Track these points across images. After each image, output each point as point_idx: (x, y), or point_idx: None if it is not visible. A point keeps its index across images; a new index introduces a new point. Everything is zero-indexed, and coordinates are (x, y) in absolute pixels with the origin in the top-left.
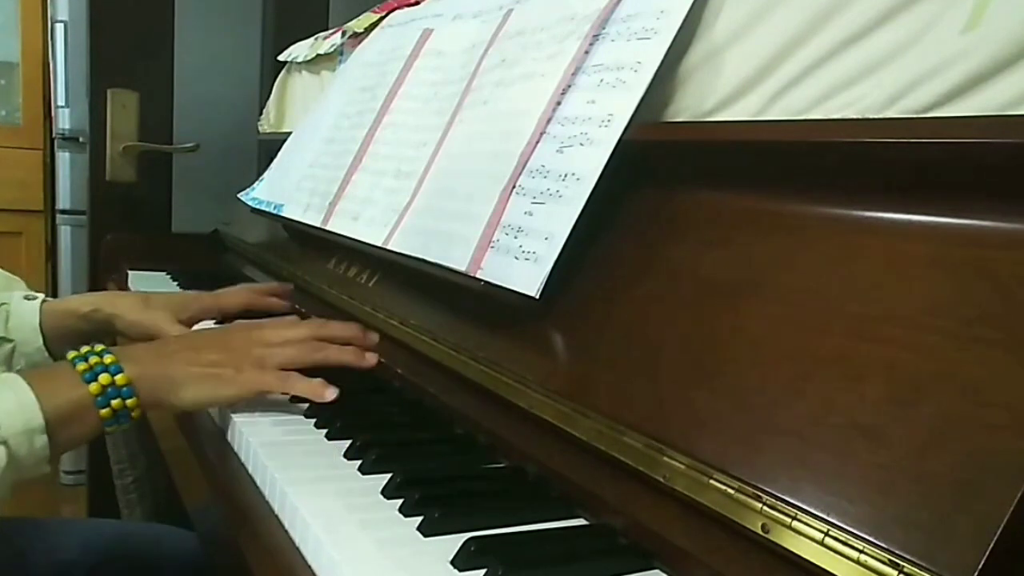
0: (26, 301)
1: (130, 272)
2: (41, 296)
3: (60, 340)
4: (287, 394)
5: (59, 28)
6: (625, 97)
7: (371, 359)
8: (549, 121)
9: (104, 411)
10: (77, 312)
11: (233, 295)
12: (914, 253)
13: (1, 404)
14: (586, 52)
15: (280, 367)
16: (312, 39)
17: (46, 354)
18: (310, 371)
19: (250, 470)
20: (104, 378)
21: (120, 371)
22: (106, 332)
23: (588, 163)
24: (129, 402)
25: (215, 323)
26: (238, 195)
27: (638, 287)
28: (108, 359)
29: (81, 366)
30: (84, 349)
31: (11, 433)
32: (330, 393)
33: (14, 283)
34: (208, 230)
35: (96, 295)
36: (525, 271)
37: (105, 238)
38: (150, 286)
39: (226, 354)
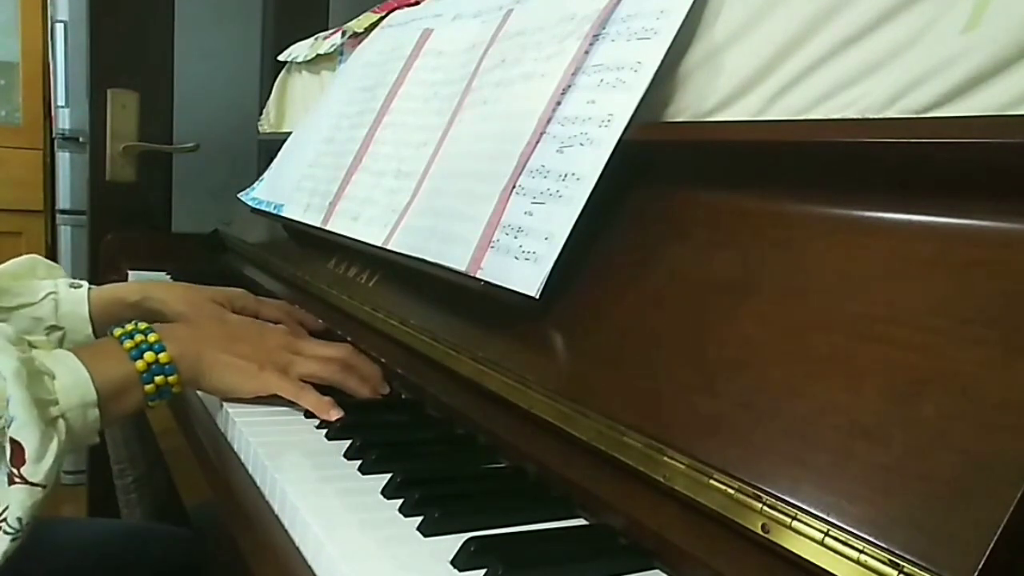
0: (73, 289)
1: (130, 272)
2: (86, 284)
3: (107, 326)
4: (296, 403)
5: (59, 28)
6: (625, 97)
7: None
8: (549, 121)
9: (148, 387)
10: (125, 300)
11: (272, 309)
12: (914, 253)
13: (59, 380)
14: (586, 52)
15: (301, 377)
16: (312, 39)
17: (95, 340)
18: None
19: (250, 470)
20: (149, 356)
21: (163, 350)
22: (153, 319)
23: (588, 163)
24: (171, 379)
25: None
26: (238, 195)
27: (638, 287)
28: (152, 338)
29: (128, 344)
30: (129, 327)
31: (68, 407)
32: (335, 413)
33: (55, 271)
34: (208, 230)
35: (143, 284)
36: (525, 271)
37: (105, 238)
38: None
39: (257, 351)
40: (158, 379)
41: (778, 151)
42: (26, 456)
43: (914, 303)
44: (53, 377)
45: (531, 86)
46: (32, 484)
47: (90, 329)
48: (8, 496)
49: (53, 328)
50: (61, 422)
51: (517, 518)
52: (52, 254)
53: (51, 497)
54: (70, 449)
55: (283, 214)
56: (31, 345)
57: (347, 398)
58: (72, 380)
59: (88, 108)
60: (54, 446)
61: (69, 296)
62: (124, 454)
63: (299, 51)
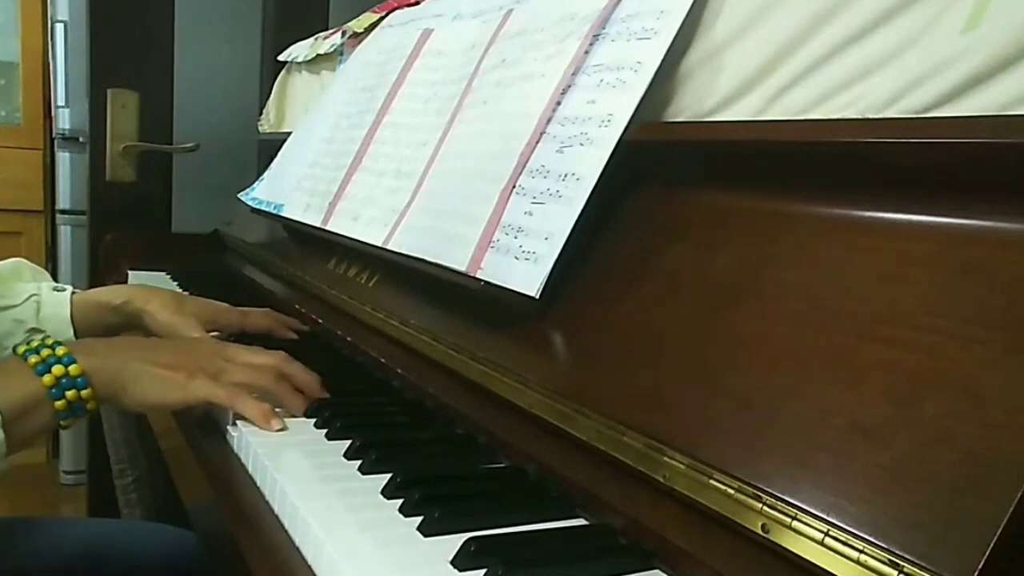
0: (56, 292)
1: (130, 272)
2: (70, 288)
3: (90, 331)
4: (233, 410)
5: (59, 28)
6: (625, 97)
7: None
8: (549, 121)
9: (59, 403)
10: (108, 304)
11: (258, 317)
12: (914, 253)
13: None
14: (586, 52)
15: (233, 384)
16: (312, 39)
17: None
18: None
19: (250, 470)
20: (57, 369)
21: (73, 362)
22: (135, 326)
23: (588, 163)
24: (84, 393)
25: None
26: (238, 195)
27: (638, 287)
28: (60, 351)
29: (33, 359)
30: (35, 343)
31: None
32: (276, 423)
33: (40, 275)
34: (208, 230)
35: (129, 288)
36: (525, 271)
37: (105, 238)
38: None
39: (183, 359)
40: (69, 394)
41: (778, 151)
42: None
43: (914, 303)
44: None
45: (531, 86)
46: None
47: (71, 332)
48: None
49: (34, 331)
50: None
51: (517, 518)
52: (52, 254)
53: (51, 498)
54: None
55: (283, 214)
56: None
57: (348, 397)
58: None
59: (88, 108)
60: None
61: (51, 299)
62: (124, 454)
63: (299, 51)
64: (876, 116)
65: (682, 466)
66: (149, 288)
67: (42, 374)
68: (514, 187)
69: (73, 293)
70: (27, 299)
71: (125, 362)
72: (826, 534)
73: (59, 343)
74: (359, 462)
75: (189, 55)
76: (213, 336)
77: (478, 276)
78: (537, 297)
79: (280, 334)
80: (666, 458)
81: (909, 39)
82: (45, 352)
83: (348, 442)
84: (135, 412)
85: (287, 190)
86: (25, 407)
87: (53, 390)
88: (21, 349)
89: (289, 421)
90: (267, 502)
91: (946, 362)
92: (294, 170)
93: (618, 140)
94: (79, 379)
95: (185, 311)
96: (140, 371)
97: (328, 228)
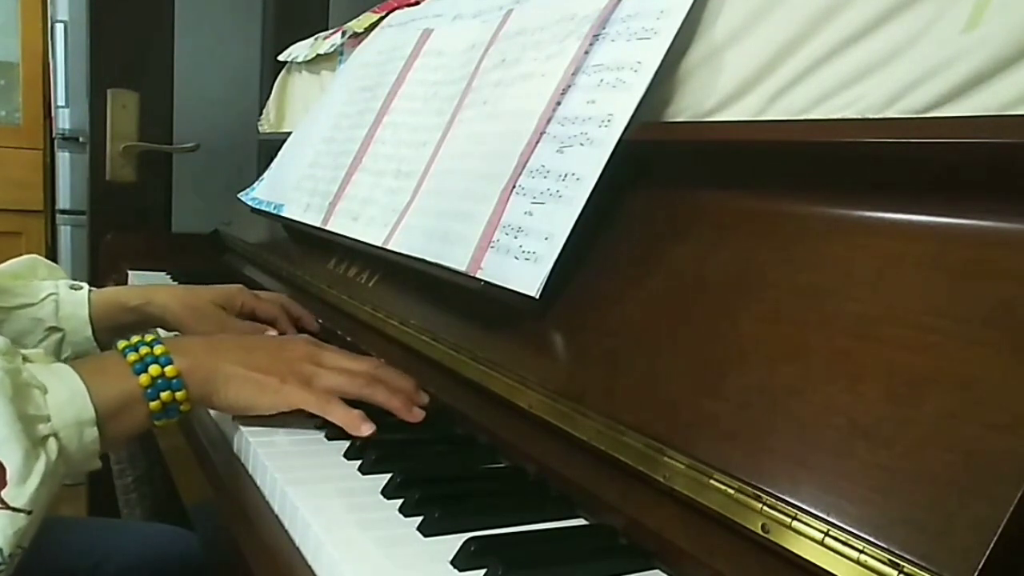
0: (73, 291)
1: (130, 272)
2: (85, 286)
3: (107, 330)
4: (323, 416)
5: (59, 28)
6: (625, 97)
7: (418, 414)
8: (549, 121)
9: (153, 404)
10: (126, 305)
11: (269, 306)
12: (914, 253)
13: (53, 396)
14: (586, 52)
15: (325, 390)
16: (312, 39)
17: (94, 343)
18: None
19: (250, 470)
20: (154, 369)
21: (170, 363)
22: (153, 324)
23: (588, 163)
24: (178, 395)
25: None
26: (238, 195)
27: (638, 287)
28: (158, 350)
29: (131, 357)
30: (135, 339)
31: (62, 425)
32: (366, 428)
33: (56, 272)
34: (208, 230)
35: (144, 288)
36: (525, 271)
37: (105, 238)
38: None
39: (276, 362)
40: (164, 395)
41: (778, 151)
42: (7, 477)
43: (914, 303)
44: (45, 391)
45: (531, 86)
46: (13, 510)
47: (90, 331)
48: None
49: (53, 329)
50: (52, 441)
51: (517, 518)
52: (52, 254)
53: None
54: (66, 473)
55: (283, 214)
56: (26, 359)
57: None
58: (67, 395)
59: (88, 108)
60: (40, 466)
61: (70, 298)
62: (124, 454)
63: (299, 51)
64: (876, 116)
65: (682, 466)
66: (162, 287)
67: (139, 373)
68: (514, 187)
69: (90, 291)
70: (46, 297)
71: (219, 364)
72: (826, 534)
73: (158, 340)
74: (359, 462)
75: (189, 55)
76: (305, 336)
77: (478, 276)
78: (537, 297)
79: (283, 328)
80: (666, 458)
81: (909, 39)
82: (144, 350)
83: (348, 442)
84: (227, 413)
85: (287, 190)
86: (120, 406)
87: (148, 390)
88: (122, 345)
89: (289, 421)
90: (267, 502)
91: (946, 362)
92: (294, 170)
93: (618, 140)
94: (174, 380)
95: (202, 304)
96: (233, 374)
97: (328, 228)
